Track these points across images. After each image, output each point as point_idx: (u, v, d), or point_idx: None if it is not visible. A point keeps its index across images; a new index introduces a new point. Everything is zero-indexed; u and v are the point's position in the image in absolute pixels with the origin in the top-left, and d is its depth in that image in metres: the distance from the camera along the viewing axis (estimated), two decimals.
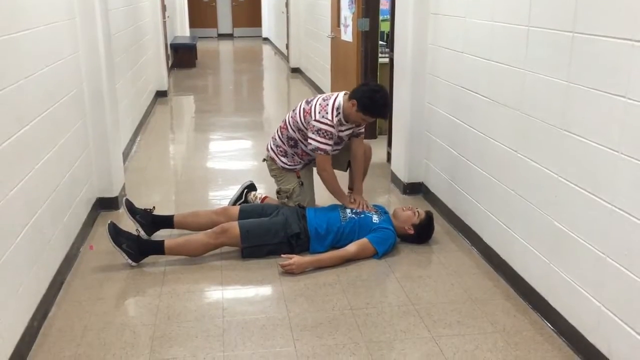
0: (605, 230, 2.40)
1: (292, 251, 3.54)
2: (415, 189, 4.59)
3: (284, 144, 4.02)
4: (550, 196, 2.79)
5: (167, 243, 3.47)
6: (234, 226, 3.53)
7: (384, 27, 6.40)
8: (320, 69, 8.80)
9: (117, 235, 3.41)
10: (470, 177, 3.71)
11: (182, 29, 14.76)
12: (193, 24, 17.34)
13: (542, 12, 2.80)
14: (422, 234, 3.73)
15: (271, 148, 4.10)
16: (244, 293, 3.23)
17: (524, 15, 2.94)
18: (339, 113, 3.76)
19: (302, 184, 4.04)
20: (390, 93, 4.95)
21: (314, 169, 4.08)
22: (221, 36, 19.50)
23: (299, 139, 3.94)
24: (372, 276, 3.43)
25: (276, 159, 4.05)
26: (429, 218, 3.76)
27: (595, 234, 2.48)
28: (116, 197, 4.32)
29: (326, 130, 3.73)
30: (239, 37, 19.19)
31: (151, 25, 8.67)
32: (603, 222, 2.41)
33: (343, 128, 3.84)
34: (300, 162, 4.05)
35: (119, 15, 5.82)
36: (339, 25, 6.67)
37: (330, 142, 3.77)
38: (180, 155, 6.16)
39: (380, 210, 3.84)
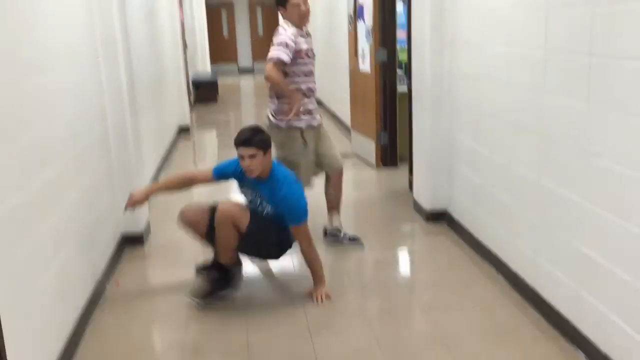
0: (634, 255, 2.35)
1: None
2: (439, 216, 4.56)
3: (274, 96, 4.02)
4: (574, 221, 2.75)
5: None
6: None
7: (402, 56, 6.45)
8: (340, 99, 8.86)
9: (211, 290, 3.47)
10: (494, 204, 3.68)
11: (204, 64, 15.02)
12: (214, 59, 17.64)
13: (558, 36, 2.80)
14: None
15: (269, 114, 4.10)
16: (268, 328, 3.20)
17: (541, 40, 2.94)
18: (288, 26, 3.90)
19: (305, 144, 4.02)
20: (410, 121, 4.96)
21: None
22: (242, 70, 19.81)
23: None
24: (397, 306, 3.39)
25: (275, 120, 4.03)
26: None
27: (624, 259, 2.43)
28: (141, 233, 4.37)
29: (280, 41, 3.83)
30: (259, 70, 19.48)
31: (172, 62, 8.85)
32: (631, 247, 2.36)
33: (301, 40, 3.92)
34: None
35: (141, 54, 5.96)
36: (357, 56, 6.73)
37: (283, 49, 3.80)
38: (204, 190, 6.20)
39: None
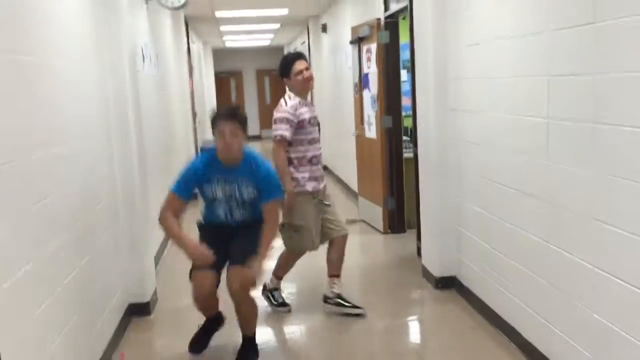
0: None
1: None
2: (448, 283, 4.51)
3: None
4: (586, 287, 2.72)
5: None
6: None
7: (407, 122, 6.55)
8: (347, 166, 8.94)
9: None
10: (504, 270, 3.64)
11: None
12: None
13: (560, 103, 2.86)
14: None
15: None
16: None
17: (543, 107, 3.00)
18: (290, 98, 4.01)
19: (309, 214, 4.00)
20: (417, 187, 4.99)
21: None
22: (249, 138, 20.10)
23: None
24: None
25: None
26: None
27: (634, 325, 2.38)
28: (147, 303, 4.33)
29: (281, 117, 3.95)
30: (267, 138, 19.75)
31: (182, 131, 9.01)
32: None
33: (304, 110, 4.00)
34: (300, 174, 3.99)
35: (152, 123, 6.08)
36: (362, 123, 6.84)
37: (286, 126, 3.91)
38: None
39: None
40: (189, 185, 3.38)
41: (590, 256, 2.68)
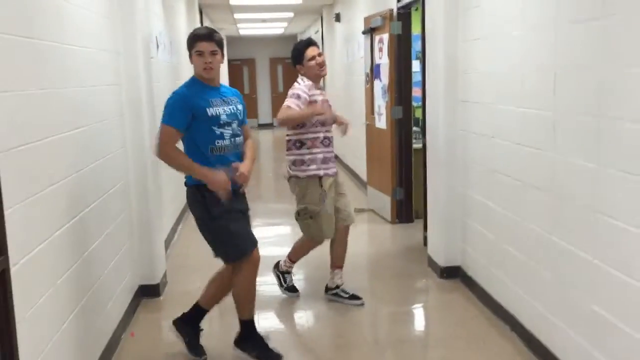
0: None
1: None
2: (453, 272, 4.57)
3: (293, 148, 4.08)
4: (586, 279, 2.77)
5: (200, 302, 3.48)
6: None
7: (418, 113, 6.59)
8: (357, 155, 9.00)
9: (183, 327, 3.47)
10: (507, 261, 3.70)
11: None
12: None
13: (567, 97, 2.90)
14: None
15: (289, 168, 4.14)
16: None
17: (550, 101, 3.04)
18: (304, 80, 4.09)
19: (324, 199, 4.03)
20: (425, 177, 5.04)
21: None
22: (261, 126, 20.17)
23: (297, 132, 4.07)
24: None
25: (294, 171, 4.08)
26: None
27: (632, 317, 2.44)
28: (157, 285, 4.43)
29: (293, 93, 4.01)
30: (279, 126, 19.82)
31: None
32: (638, 304, 2.38)
33: (316, 92, 4.08)
34: (313, 155, 4.04)
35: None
36: (373, 113, 6.88)
37: (296, 101, 3.96)
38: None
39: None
40: (183, 114, 3.16)
41: (591, 249, 2.73)
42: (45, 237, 2.57)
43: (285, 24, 15.43)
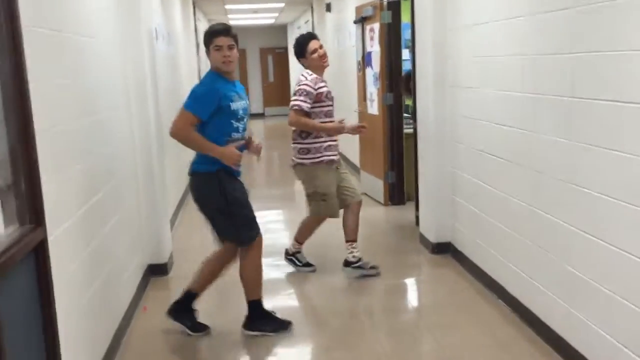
0: (613, 271, 2.66)
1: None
2: (443, 248, 4.86)
3: (299, 138, 4.35)
4: (562, 243, 3.06)
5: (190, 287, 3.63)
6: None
7: (408, 100, 6.85)
8: (349, 141, 9.24)
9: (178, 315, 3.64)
10: (493, 234, 3.99)
11: None
12: None
13: (543, 80, 3.17)
14: None
15: (294, 156, 4.42)
16: (292, 343, 3.53)
17: (529, 84, 3.32)
18: (310, 74, 4.31)
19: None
20: (416, 161, 5.32)
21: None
22: (253, 115, 20.37)
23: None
24: (404, 326, 3.68)
25: (299, 159, 4.36)
26: None
27: (606, 276, 2.73)
28: (165, 264, 4.69)
29: (301, 89, 4.23)
30: (270, 116, 20.04)
31: None
32: (612, 264, 2.66)
33: (322, 84, 4.32)
34: (319, 144, 4.31)
35: (165, 96, 6.39)
36: (365, 100, 7.14)
37: (304, 99, 4.21)
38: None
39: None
40: (210, 106, 3.36)
41: (566, 215, 3.02)
42: (72, 213, 2.82)
43: (276, 14, 15.61)
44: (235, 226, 3.49)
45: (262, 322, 3.59)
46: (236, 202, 3.45)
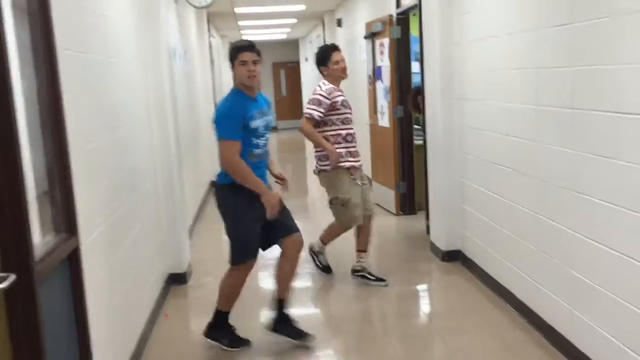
0: (615, 275, 2.79)
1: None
2: (453, 256, 4.99)
3: (319, 146, 4.51)
4: (566, 249, 3.19)
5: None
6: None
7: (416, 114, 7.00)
8: (361, 153, 9.40)
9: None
10: (500, 241, 4.12)
11: None
12: None
13: (546, 92, 3.32)
14: None
15: (316, 165, 4.60)
16: (311, 351, 3.62)
17: (532, 96, 3.47)
18: (325, 83, 4.48)
19: (354, 181, 4.46)
20: (426, 171, 5.47)
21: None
22: None
23: (321, 130, 4.47)
24: (417, 330, 3.82)
25: (322, 166, 4.53)
26: None
27: (610, 281, 2.86)
28: (184, 273, 4.86)
29: (314, 98, 4.42)
30: (282, 129, 20.26)
31: (206, 120, 9.49)
32: (615, 270, 2.79)
33: (337, 94, 4.47)
34: (340, 148, 4.45)
35: (183, 112, 6.59)
36: (376, 113, 7.30)
37: (316, 108, 4.38)
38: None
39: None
40: (238, 125, 3.41)
41: (569, 222, 3.16)
42: (100, 223, 3.00)
43: (288, 30, 15.86)
44: (236, 240, 3.57)
45: (221, 334, 3.65)
46: (243, 220, 3.51)
